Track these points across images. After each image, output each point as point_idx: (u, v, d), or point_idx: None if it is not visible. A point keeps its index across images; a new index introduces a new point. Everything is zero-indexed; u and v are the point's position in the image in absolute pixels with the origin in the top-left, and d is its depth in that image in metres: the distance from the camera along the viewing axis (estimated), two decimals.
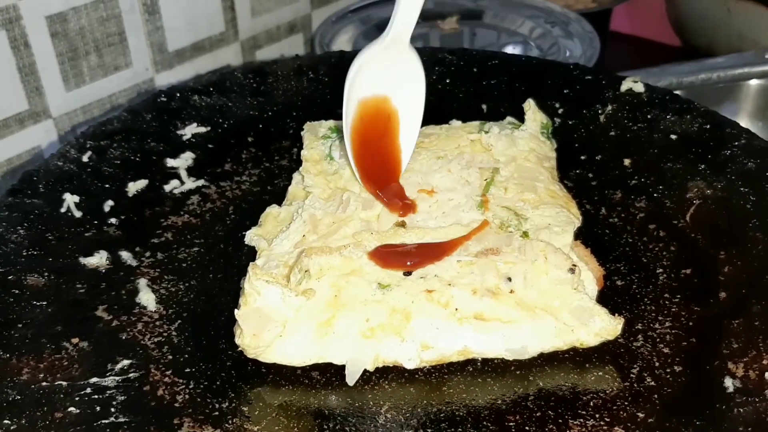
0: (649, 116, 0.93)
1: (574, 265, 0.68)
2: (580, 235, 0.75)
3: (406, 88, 0.77)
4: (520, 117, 0.87)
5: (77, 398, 0.63)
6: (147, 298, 0.73)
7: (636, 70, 1.27)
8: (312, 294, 0.66)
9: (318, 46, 1.42)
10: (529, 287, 0.68)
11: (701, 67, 1.30)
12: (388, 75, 0.76)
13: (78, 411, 0.62)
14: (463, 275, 0.68)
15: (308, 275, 0.67)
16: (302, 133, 0.87)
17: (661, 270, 0.75)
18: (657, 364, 0.65)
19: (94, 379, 0.64)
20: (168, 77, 1.35)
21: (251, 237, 0.77)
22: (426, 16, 1.56)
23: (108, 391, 0.63)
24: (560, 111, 0.97)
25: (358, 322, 0.66)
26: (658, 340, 0.68)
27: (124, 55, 1.27)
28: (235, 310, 0.66)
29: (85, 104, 1.24)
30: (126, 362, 0.66)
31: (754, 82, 1.32)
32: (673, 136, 0.90)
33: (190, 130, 0.95)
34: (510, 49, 1.46)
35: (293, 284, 0.67)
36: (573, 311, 0.67)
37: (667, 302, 0.71)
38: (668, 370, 0.65)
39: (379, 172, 0.78)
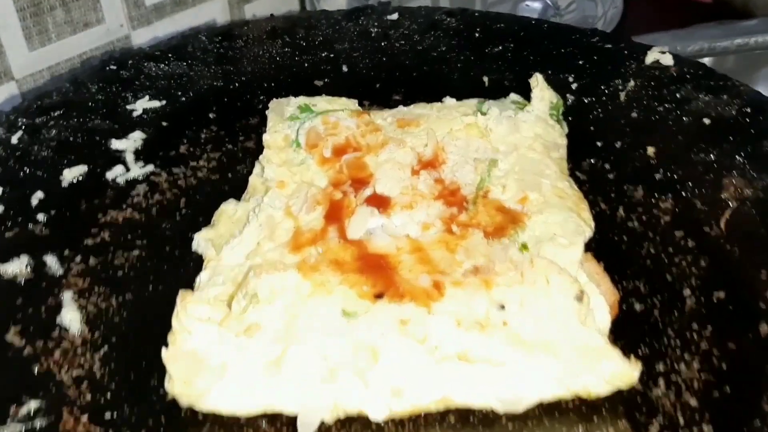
0: (678, 95, 0.86)
1: (582, 291, 0.59)
2: (593, 244, 0.68)
3: None
4: (527, 92, 0.81)
5: None
6: (70, 317, 0.66)
7: (662, 33, 1.19)
8: (256, 330, 0.56)
9: (308, 1, 1.34)
10: (526, 317, 0.59)
11: (737, 30, 1.21)
12: None
13: None
14: (445, 301, 0.58)
15: (256, 300, 0.58)
16: (267, 112, 0.79)
17: (688, 291, 0.67)
18: (682, 420, 0.57)
19: None
20: (146, 34, 1.28)
21: (199, 241, 0.70)
22: None
23: None
24: (573, 86, 0.91)
25: (313, 361, 0.57)
26: (683, 387, 0.59)
27: (94, 10, 1.21)
28: (163, 351, 0.56)
29: (52, 64, 1.19)
30: (34, 404, 0.58)
31: None
32: (707, 121, 0.82)
33: (141, 105, 0.89)
34: (524, 6, 1.39)
35: (236, 313, 0.58)
36: (579, 350, 0.59)
37: (695, 335, 0.63)
38: (695, 430, 0.56)
39: None
